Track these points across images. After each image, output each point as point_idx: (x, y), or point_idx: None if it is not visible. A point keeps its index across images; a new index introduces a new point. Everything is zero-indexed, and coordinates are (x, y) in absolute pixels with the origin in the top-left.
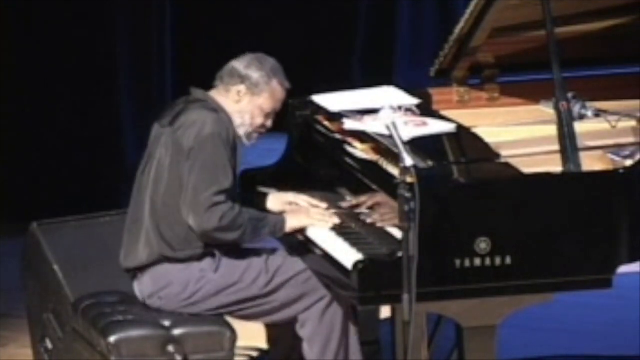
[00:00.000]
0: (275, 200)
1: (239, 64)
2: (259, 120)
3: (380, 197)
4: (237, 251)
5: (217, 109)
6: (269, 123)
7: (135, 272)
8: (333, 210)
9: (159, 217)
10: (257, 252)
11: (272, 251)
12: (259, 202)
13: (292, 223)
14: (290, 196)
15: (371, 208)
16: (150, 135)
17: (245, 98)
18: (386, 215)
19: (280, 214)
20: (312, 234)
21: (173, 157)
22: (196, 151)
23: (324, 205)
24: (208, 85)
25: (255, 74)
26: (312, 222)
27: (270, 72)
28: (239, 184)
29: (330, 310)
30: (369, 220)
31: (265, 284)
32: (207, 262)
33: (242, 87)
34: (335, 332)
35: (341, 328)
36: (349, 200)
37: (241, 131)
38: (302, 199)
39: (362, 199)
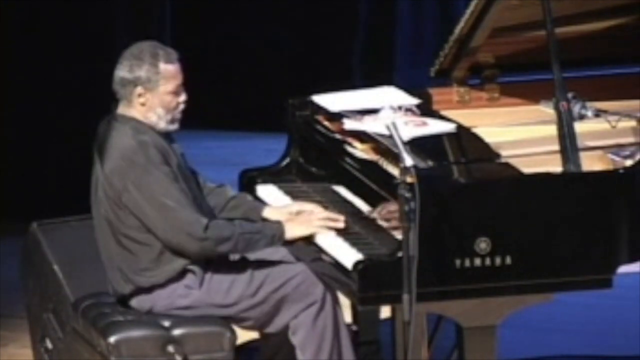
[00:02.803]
0: (277, 212)
1: (122, 72)
2: (172, 104)
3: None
4: (220, 264)
5: (134, 132)
6: (183, 97)
7: (123, 298)
8: (335, 214)
9: (124, 253)
10: (242, 263)
11: (259, 261)
12: (259, 211)
13: (291, 233)
14: (295, 206)
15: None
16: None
17: (148, 96)
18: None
19: (279, 222)
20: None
21: (113, 200)
22: (132, 187)
23: (326, 214)
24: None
25: (141, 72)
26: (313, 230)
27: (152, 60)
28: (239, 186)
29: (321, 316)
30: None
31: (251, 295)
32: (190, 278)
33: (139, 90)
34: (327, 337)
35: (332, 332)
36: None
37: (162, 124)
38: (308, 207)
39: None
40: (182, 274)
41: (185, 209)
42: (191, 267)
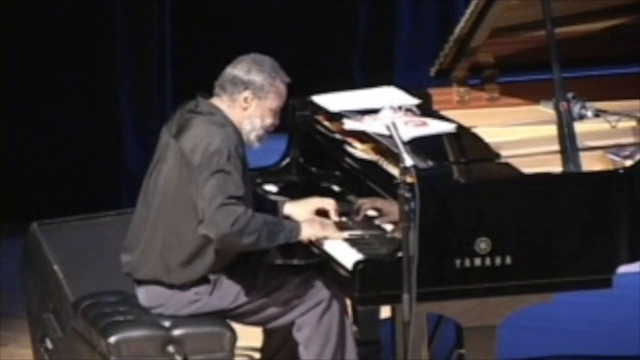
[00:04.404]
0: (300, 210)
1: (238, 71)
2: (269, 121)
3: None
4: (232, 273)
5: (224, 124)
6: (277, 120)
7: (132, 278)
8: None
9: (162, 237)
10: (251, 267)
11: (267, 266)
12: (277, 210)
13: (307, 232)
14: (316, 201)
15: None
16: (160, 137)
17: (253, 103)
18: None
19: (296, 221)
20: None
21: (182, 177)
22: (205, 170)
23: (336, 218)
24: (209, 86)
25: (258, 78)
26: (326, 234)
27: (271, 72)
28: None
29: (326, 316)
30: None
31: (259, 298)
32: (202, 287)
33: (247, 94)
34: (332, 336)
35: (338, 331)
36: (353, 205)
37: (252, 135)
38: (328, 202)
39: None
40: (197, 282)
41: (234, 199)
42: (210, 274)
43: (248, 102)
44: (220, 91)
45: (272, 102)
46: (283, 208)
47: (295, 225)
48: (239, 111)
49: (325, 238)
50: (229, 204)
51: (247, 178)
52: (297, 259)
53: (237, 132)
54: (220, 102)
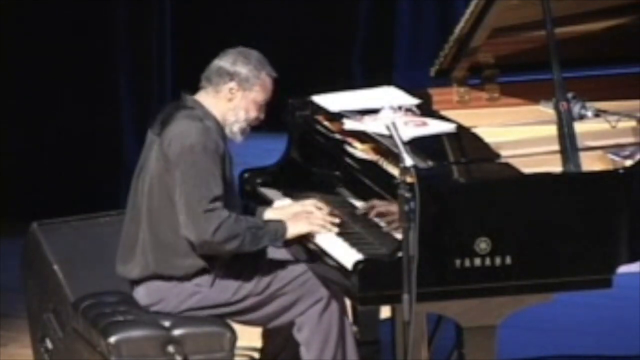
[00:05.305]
0: (278, 213)
1: (224, 62)
2: (253, 114)
3: (383, 200)
4: (232, 265)
5: (203, 117)
6: (262, 115)
7: (131, 281)
8: (335, 214)
9: (155, 233)
10: (250, 262)
11: (268, 260)
12: (260, 213)
13: (293, 230)
14: (296, 207)
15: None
16: (145, 139)
17: (238, 94)
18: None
19: (281, 221)
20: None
21: (162, 171)
22: (181, 163)
23: (326, 209)
24: None
25: (243, 69)
26: (312, 229)
27: (257, 65)
28: (239, 186)
29: (326, 314)
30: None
31: (258, 293)
32: (203, 278)
33: (232, 84)
34: (332, 335)
35: (338, 330)
36: (355, 206)
37: (235, 127)
38: (308, 204)
39: (370, 205)
40: (197, 272)
41: (215, 202)
42: (209, 266)
43: (233, 93)
44: (206, 83)
45: (257, 94)
46: (263, 215)
47: (280, 225)
48: (224, 102)
49: (314, 233)
50: (213, 209)
51: (228, 172)
52: (297, 256)
53: (218, 126)
54: (206, 94)
